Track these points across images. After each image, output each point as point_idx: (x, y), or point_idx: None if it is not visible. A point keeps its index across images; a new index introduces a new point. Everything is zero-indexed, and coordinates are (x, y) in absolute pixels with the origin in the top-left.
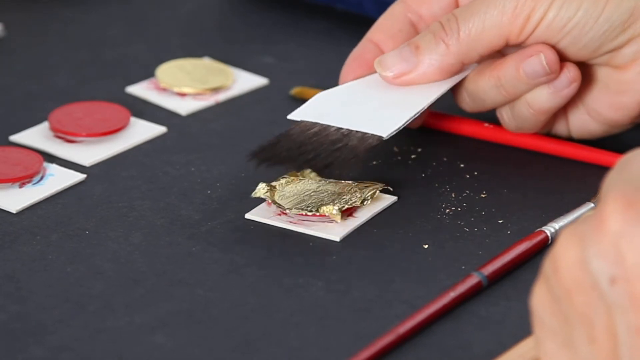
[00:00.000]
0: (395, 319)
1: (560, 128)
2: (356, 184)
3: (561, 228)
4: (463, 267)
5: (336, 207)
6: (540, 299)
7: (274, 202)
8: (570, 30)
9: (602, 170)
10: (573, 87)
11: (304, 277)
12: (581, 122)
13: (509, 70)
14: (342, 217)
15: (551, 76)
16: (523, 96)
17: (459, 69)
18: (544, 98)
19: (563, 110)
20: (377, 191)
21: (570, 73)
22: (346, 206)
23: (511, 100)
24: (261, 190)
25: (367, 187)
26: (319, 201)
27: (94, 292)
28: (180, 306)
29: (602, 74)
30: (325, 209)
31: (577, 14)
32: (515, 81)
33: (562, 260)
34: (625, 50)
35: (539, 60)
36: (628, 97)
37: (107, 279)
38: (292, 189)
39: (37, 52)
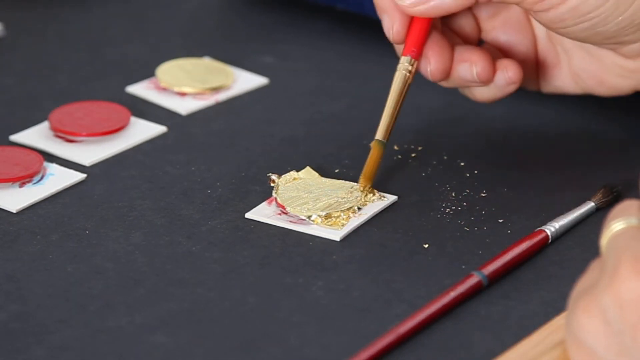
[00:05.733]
0: (396, 318)
1: (531, 83)
2: (355, 185)
3: (561, 227)
4: (463, 267)
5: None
6: (595, 331)
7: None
8: (592, 18)
9: (602, 170)
10: (512, 88)
11: (304, 277)
12: (560, 81)
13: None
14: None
15: (481, 84)
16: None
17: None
18: (483, 91)
19: (543, 65)
20: (373, 196)
21: (509, 74)
22: (348, 217)
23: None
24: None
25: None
26: (319, 202)
27: (94, 292)
28: (180, 306)
29: (604, 55)
30: (330, 221)
31: (606, 5)
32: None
33: (628, 295)
34: (635, 45)
35: (470, 71)
36: (623, 81)
37: (107, 278)
38: (293, 188)
39: (37, 52)
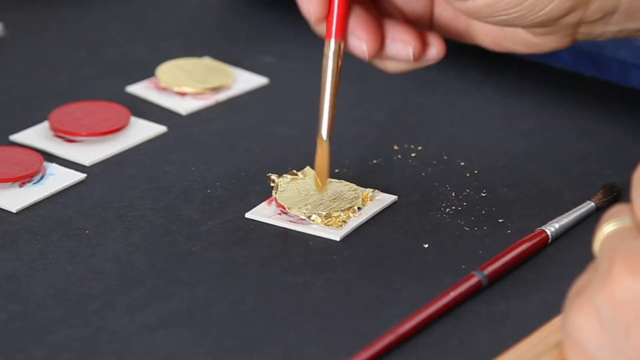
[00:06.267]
0: (396, 318)
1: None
2: (355, 187)
3: (561, 227)
4: (463, 267)
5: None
6: (589, 331)
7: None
8: (510, 14)
9: (602, 170)
10: (434, 62)
11: (304, 277)
12: (454, 35)
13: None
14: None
15: (411, 62)
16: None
17: None
18: (398, 63)
19: (438, 23)
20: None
21: (436, 51)
22: (343, 217)
23: None
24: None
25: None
26: (319, 202)
27: (94, 292)
28: (180, 306)
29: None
30: (327, 221)
31: (524, 4)
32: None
33: (622, 294)
34: (548, 29)
35: (405, 50)
36: (520, 48)
37: (107, 278)
38: (293, 188)
39: (37, 52)
